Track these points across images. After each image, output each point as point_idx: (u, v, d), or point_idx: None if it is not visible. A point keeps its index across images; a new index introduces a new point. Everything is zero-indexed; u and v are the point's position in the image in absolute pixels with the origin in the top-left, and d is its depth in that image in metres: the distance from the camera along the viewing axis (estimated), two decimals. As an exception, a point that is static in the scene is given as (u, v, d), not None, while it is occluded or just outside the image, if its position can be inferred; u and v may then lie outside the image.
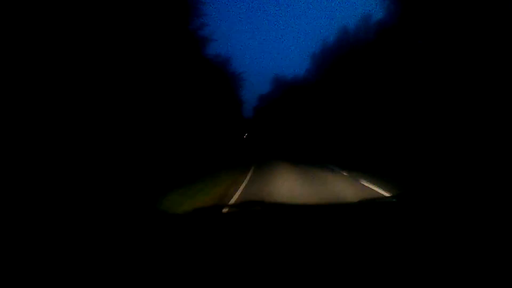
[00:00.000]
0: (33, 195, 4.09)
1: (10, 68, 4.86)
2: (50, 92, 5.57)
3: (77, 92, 6.20)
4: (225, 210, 1.32)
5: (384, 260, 0.69)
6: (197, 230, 0.98)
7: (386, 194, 5.34)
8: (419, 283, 0.62)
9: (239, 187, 6.38)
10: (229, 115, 23.91)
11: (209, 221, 1.11)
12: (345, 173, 8.23)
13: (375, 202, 1.31)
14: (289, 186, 6.28)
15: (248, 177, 7.88)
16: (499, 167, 7.03)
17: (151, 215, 1.10)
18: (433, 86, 11.32)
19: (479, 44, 9.14)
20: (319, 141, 23.88)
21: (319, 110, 24.87)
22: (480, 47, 9.13)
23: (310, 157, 15.28)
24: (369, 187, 6.12)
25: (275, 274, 0.63)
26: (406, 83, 13.06)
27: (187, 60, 12.33)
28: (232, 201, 5.09)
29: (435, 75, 11.21)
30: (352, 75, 19.01)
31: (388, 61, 14.86)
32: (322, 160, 13.14)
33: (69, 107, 5.95)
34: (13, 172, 4.34)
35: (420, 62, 12.09)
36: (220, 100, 18.62)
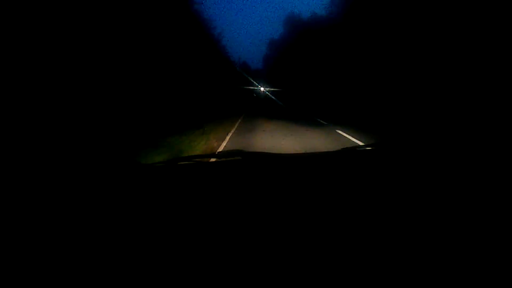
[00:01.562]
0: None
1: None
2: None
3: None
4: (205, 159, 1.30)
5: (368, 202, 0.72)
6: (175, 181, 0.96)
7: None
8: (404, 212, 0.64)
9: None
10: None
11: (187, 171, 1.09)
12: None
13: (355, 149, 1.32)
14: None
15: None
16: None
17: (127, 167, 1.08)
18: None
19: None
20: (338, 96, 19.16)
21: (345, 57, 19.11)
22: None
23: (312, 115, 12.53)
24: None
25: (252, 223, 0.63)
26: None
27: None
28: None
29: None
30: (396, 10, 13.24)
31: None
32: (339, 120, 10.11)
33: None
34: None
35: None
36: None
